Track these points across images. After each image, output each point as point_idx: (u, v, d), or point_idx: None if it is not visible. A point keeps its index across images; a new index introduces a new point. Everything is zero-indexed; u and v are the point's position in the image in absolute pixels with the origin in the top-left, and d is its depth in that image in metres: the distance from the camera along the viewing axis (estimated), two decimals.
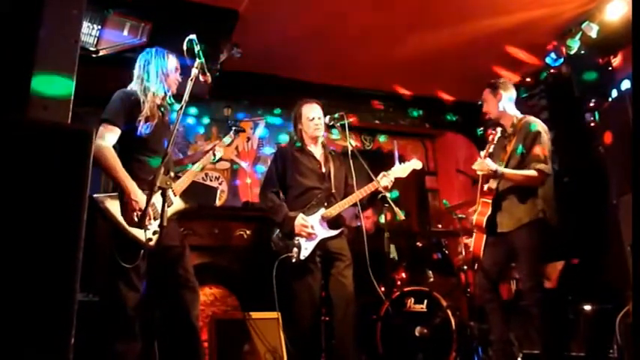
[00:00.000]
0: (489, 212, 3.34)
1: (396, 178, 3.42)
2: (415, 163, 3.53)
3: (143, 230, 2.43)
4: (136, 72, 2.78)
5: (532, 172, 3.21)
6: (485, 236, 3.38)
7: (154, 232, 2.49)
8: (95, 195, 2.45)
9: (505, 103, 3.47)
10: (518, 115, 3.47)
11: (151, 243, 2.48)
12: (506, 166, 3.32)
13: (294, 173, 3.46)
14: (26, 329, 1.20)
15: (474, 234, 3.45)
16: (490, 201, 3.36)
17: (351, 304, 3.33)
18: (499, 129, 3.41)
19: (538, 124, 3.34)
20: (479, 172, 3.33)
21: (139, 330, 2.55)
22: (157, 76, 2.74)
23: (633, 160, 1.97)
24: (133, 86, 2.75)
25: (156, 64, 2.76)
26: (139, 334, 2.54)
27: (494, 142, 3.34)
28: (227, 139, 3.11)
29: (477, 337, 4.01)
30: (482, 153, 3.29)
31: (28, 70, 1.57)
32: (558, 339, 3.25)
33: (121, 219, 2.44)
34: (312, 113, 3.53)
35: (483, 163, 3.25)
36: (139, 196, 2.48)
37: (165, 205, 2.17)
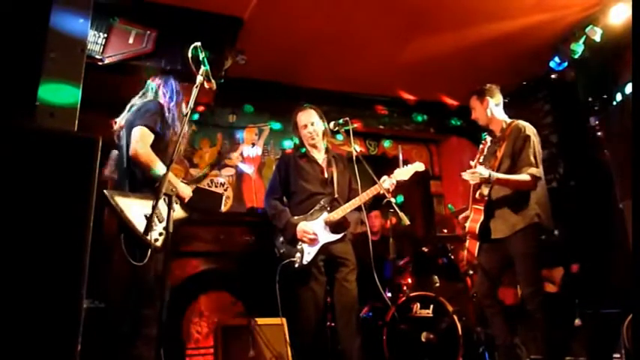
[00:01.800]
0: (482, 219, 3.33)
1: (398, 182, 3.41)
2: (418, 166, 3.53)
3: (150, 231, 2.51)
4: (166, 91, 2.98)
5: (524, 177, 3.19)
6: (478, 243, 3.37)
7: (160, 234, 2.57)
8: (105, 191, 2.51)
9: (492, 109, 3.47)
10: (507, 119, 3.47)
11: (158, 243, 2.54)
12: (497, 172, 3.31)
13: (298, 179, 3.47)
14: (32, 336, 1.20)
15: (467, 241, 3.44)
16: (482, 208, 3.35)
17: (354, 309, 3.33)
18: (489, 138, 3.41)
19: (527, 128, 3.32)
20: (471, 182, 3.31)
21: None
22: (177, 108, 2.97)
23: (633, 161, 1.96)
24: (163, 101, 2.93)
25: (179, 95, 3.01)
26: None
27: (484, 151, 3.33)
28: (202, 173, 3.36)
29: (483, 342, 3.99)
30: (473, 162, 3.29)
31: (35, 78, 1.59)
32: (561, 343, 3.23)
33: (129, 216, 2.49)
34: (305, 120, 3.55)
35: (475, 172, 3.23)
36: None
37: (171, 210, 2.19)
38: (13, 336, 1.18)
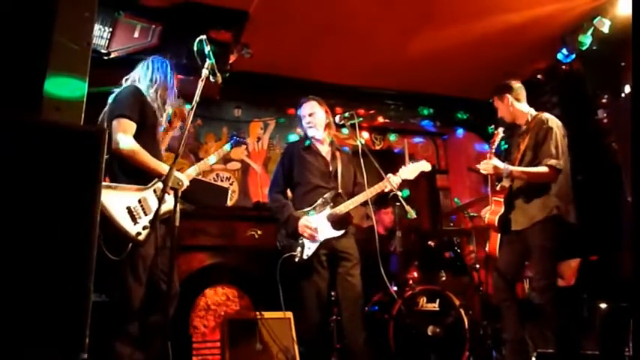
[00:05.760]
0: (502, 211, 3.32)
1: (403, 180, 3.36)
2: (424, 165, 3.46)
3: (132, 223, 2.44)
4: (147, 74, 2.82)
5: (543, 169, 3.17)
6: (499, 235, 3.36)
7: (144, 227, 2.48)
8: None
9: (514, 104, 3.45)
10: (533, 112, 3.45)
11: (140, 237, 2.45)
12: (519, 164, 3.30)
13: (302, 171, 3.45)
14: (42, 329, 1.21)
15: (490, 233, 3.43)
16: (502, 200, 3.35)
17: (358, 303, 3.33)
18: (501, 129, 3.41)
19: (550, 120, 3.31)
20: (484, 173, 3.32)
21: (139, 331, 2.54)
22: (170, 88, 2.84)
23: (633, 160, 1.94)
24: (142, 86, 2.79)
25: (169, 76, 2.85)
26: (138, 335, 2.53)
27: (496, 142, 3.35)
28: (227, 147, 3.20)
29: (490, 336, 3.99)
30: (488, 154, 3.30)
31: (42, 72, 1.59)
32: (572, 337, 3.22)
33: (110, 209, 2.40)
34: (306, 111, 3.53)
35: (489, 164, 3.23)
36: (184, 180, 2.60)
37: (178, 205, 2.18)
38: (24, 328, 1.19)
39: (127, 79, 2.84)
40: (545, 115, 3.36)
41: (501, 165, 3.21)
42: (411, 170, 3.41)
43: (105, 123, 2.70)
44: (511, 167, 3.23)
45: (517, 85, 3.50)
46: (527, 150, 3.32)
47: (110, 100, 2.75)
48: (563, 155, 3.24)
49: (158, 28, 3.94)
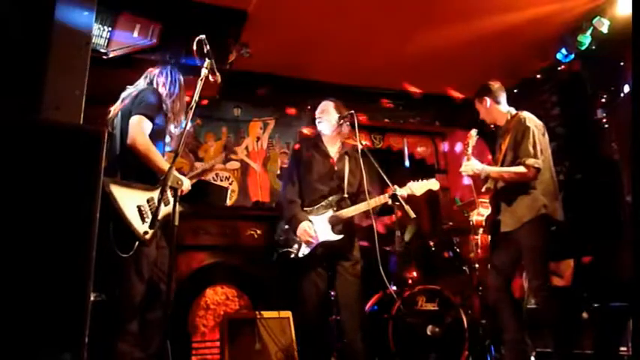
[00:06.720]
0: (488, 212, 3.34)
1: (409, 195, 3.27)
2: (432, 183, 3.36)
3: (141, 222, 2.49)
4: (167, 85, 2.92)
5: (521, 168, 3.17)
6: (490, 236, 3.38)
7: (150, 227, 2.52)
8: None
9: (493, 106, 3.49)
10: (512, 111, 3.47)
11: (147, 236, 2.50)
12: (502, 164, 3.31)
13: (305, 168, 3.46)
14: (42, 328, 1.21)
15: (479, 235, 3.45)
16: (487, 201, 3.37)
17: (358, 302, 3.33)
18: (474, 131, 3.42)
19: (528, 119, 3.31)
20: (464, 174, 3.33)
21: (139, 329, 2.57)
22: (183, 103, 2.96)
23: (633, 160, 1.95)
24: (160, 90, 2.89)
25: (183, 90, 2.98)
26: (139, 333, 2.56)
27: (469, 145, 3.38)
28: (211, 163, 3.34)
29: (489, 335, 3.99)
30: (465, 157, 3.31)
31: (41, 72, 1.59)
32: (569, 337, 3.22)
33: (123, 207, 2.45)
34: (318, 110, 3.59)
35: (468, 166, 3.24)
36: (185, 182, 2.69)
37: (177, 204, 2.19)
38: (25, 327, 1.19)
39: (145, 80, 2.94)
40: (524, 114, 3.37)
41: (479, 166, 3.23)
42: (419, 186, 3.32)
43: (115, 119, 2.79)
44: (489, 168, 3.24)
45: (496, 86, 3.52)
46: (508, 150, 3.33)
47: (128, 96, 2.83)
48: (543, 154, 3.23)
49: (157, 27, 3.94)
